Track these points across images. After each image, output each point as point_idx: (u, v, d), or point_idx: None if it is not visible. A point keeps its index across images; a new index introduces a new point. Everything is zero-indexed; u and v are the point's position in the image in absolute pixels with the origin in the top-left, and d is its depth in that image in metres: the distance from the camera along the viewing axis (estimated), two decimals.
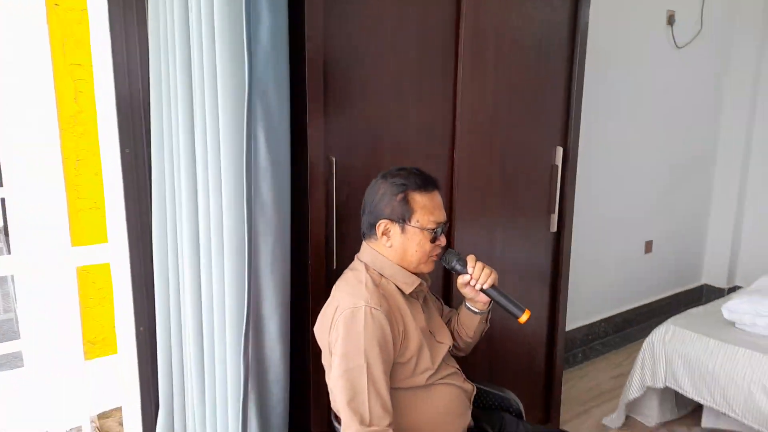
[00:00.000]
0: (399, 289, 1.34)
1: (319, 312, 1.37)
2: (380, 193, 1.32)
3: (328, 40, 1.47)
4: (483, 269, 1.34)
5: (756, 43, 3.69)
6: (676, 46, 3.44)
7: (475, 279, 1.34)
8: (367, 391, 1.17)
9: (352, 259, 1.48)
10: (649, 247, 3.62)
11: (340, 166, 1.54)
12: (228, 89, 1.21)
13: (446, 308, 1.57)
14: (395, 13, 1.62)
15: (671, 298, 3.85)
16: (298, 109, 1.45)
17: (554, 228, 2.15)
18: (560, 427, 2.37)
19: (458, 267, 1.37)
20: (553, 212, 2.14)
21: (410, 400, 1.29)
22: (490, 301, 1.40)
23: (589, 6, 2.07)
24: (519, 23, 1.91)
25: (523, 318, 1.31)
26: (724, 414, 2.14)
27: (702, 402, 2.17)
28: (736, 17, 3.72)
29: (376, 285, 1.30)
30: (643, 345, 2.36)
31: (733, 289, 4.01)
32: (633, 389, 2.36)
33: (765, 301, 2.15)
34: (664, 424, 2.47)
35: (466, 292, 1.40)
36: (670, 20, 3.38)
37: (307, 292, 1.54)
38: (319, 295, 1.50)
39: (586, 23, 2.08)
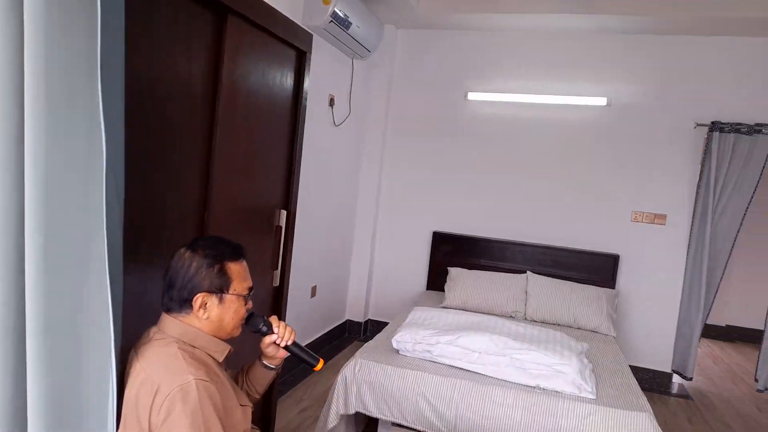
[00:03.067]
0: (212, 357, 1.34)
1: None
2: (194, 266, 1.31)
3: None
4: (286, 328, 1.47)
5: (381, 129, 4.79)
6: (335, 124, 4.18)
7: (281, 337, 1.46)
8: None
9: None
10: (314, 291, 4.17)
11: None
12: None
13: None
14: (165, 73, 1.61)
15: (327, 334, 4.50)
16: None
17: (277, 282, 2.38)
18: None
19: (265, 329, 1.46)
20: (276, 269, 2.36)
21: None
22: (286, 356, 1.53)
23: (309, 78, 2.43)
24: (260, 89, 2.10)
25: (319, 366, 1.49)
26: (398, 425, 2.73)
27: (383, 418, 2.70)
28: (367, 108, 4.76)
29: (193, 357, 1.27)
30: (337, 379, 2.78)
31: (367, 323, 4.96)
32: (330, 419, 2.73)
33: (421, 331, 2.87)
34: None
35: (269, 351, 1.49)
36: (331, 103, 4.10)
37: None
38: None
39: (306, 98, 2.42)
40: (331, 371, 3.92)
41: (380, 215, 4.93)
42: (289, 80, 2.27)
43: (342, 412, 2.74)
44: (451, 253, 4.63)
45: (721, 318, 6.08)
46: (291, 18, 2.29)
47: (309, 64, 2.37)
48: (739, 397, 4.29)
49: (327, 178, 4.18)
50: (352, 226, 4.82)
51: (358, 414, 2.85)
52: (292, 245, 2.45)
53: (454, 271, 4.32)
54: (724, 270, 4.10)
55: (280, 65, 2.18)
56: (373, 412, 2.70)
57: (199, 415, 1.17)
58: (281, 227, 2.35)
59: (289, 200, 2.40)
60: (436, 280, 4.63)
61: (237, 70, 1.91)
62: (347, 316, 4.92)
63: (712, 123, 4.02)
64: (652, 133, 4.25)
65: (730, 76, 4.09)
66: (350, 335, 4.88)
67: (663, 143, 4.23)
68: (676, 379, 4.31)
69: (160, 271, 1.36)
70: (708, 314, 4.14)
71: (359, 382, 2.73)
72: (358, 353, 2.88)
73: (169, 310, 1.34)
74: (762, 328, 5.78)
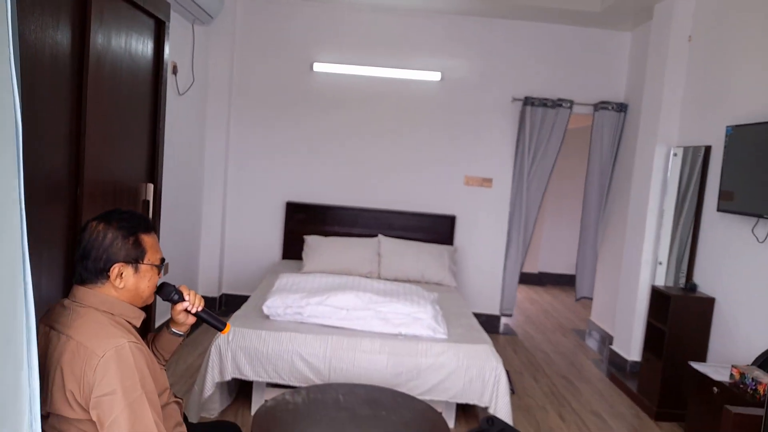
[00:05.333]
0: (130, 324, 1.36)
1: None
2: (110, 238, 1.33)
3: None
4: (196, 296, 1.51)
5: (226, 98, 4.70)
6: (179, 93, 4.02)
7: (192, 304, 1.50)
8: (152, 419, 1.21)
9: None
10: (166, 268, 4.02)
11: None
12: None
13: None
14: (34, 44, 1.51)
15: None
16: None
17: None
18: None
19: (176, 297, 1.49)
20: None
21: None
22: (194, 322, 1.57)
23: (167, 45, 2.36)
24: (123, 58, 2.02)
25: (226, 330, 1.57)
26: (273, 384, 2.85)
27: (260, 380, 2.80)
28: (211, 77, 4.64)
29: (117, 323, 1.30)
30: (210, 349, 2.80)
31: (222, 297, 4.91)
32: (207, 388, 2.75)
33: (291, 296, 3.00)
34: (224, 411, 2.97)
35: (179, 317, 1.52)
36: (174, 70, 3.92)
37: None
38: None
39: (167, 68, 2.36)
40: (190, 348, 3.88)
41: (229, 187, 4.86)
42: (149, 50, 2.20)
43: (218, 380, 2.78)
44: (305, 221, 4.78)
45: (535, 266, 7.12)
46: None
47: (168, 34, 2.30)
48: (550, 329, 5.16)
49: (171, 148, 4.01)
50: (200, 200, 4.70)
51: (232, 380, 2.91)
52: (159, 221, 2.40)
53: (310, 239, 4.48)
54: (534, 224, 4.86)
55: (140, 34, 2.10)
56: (249, 376, 2.79)
57: (135, 374, 1.22)
58: (149, 201, 2.29)
59: (155, 173, 2.34)
60: (292, 249, 4.75)
61: (102, 40, 1.82)
62: (200, 292, 4.82)
63: (525, 98, 4.67)
64: (479, 106, 4.80)
65: (539, 57, 4.77)
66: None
67: (488, 115, 4.81)
68: (504, 320, 5.03)
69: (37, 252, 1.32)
70: (523, 263, 4.90)
71: (234, 349, 2.79)
72: (229, 322, 2.91)
73: (83, 282, 1.34)
74: (564, 272, 6.91)
